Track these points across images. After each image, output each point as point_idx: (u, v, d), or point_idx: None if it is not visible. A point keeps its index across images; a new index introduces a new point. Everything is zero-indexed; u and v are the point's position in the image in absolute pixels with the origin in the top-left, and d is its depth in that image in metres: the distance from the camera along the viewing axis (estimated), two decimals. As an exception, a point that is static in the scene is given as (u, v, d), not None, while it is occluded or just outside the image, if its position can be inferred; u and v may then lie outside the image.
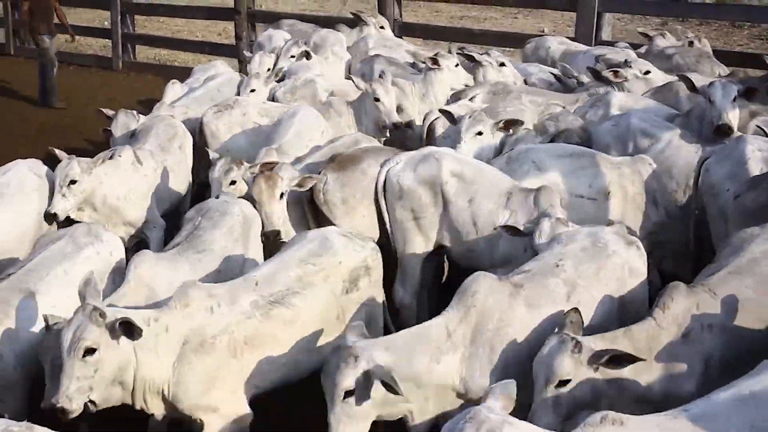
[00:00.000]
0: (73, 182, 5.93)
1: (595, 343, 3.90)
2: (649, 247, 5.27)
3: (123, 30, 14.68)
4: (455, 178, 5.41)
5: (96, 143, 10.11)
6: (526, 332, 4.19)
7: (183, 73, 14.21)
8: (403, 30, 12.15)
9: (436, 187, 5.40)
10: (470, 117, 6.37)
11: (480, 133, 6.32)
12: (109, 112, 7.54)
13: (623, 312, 4.47)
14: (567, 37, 10.58)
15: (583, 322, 4.02)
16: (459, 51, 8.50)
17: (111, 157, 6.22)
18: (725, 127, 6.02)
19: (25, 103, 12.85)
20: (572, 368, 3.77)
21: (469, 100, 7.42)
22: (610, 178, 5.76)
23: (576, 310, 4.00)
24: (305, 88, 8.11)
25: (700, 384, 3.99)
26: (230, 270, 5.01)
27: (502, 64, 8.12)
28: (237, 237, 5.23)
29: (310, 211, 5.97)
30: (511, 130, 6.38)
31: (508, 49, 11.63)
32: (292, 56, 9.00)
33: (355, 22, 10.85)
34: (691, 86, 6.44)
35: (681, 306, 4.12)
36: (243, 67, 13.26)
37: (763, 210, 5.11)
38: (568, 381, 3.78)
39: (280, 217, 5.57)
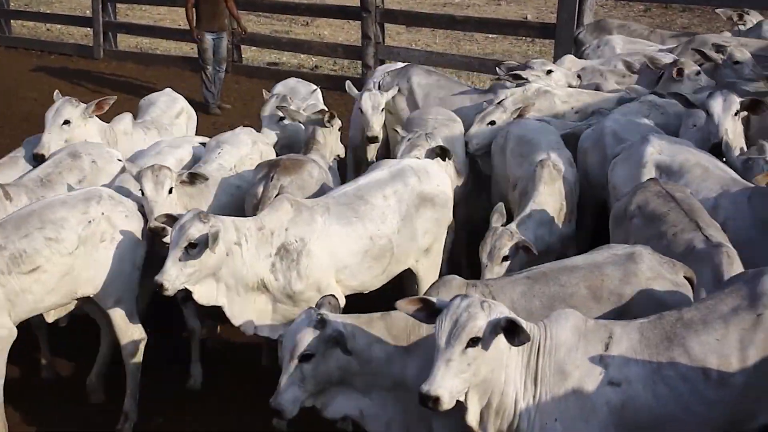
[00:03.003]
0: None
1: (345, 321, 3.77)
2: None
3: (104, 18, 14.56)
4: None
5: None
6: None
7: (165, 62, 14.19)
8: (385, 17, 11.97)
9: None
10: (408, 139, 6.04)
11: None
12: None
13: None
14: (550, 24, 10.55)
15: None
16: (507, 73, 7.51)
17: None
18: (724, 145, 5.40)
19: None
20: (314, 344, 3.68)
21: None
22: (524, 170, 5.73)
23: (333, 295, 4.03)
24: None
25: None
26: None
27: (550, 71, 7.50)
28: None
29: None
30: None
31: (490, 35, 11.60)
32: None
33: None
34: (686, 102, 5.72)
35: None
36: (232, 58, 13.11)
37: (618, 221, 4.80)
38: (312, 356, 3.69)
39: None
